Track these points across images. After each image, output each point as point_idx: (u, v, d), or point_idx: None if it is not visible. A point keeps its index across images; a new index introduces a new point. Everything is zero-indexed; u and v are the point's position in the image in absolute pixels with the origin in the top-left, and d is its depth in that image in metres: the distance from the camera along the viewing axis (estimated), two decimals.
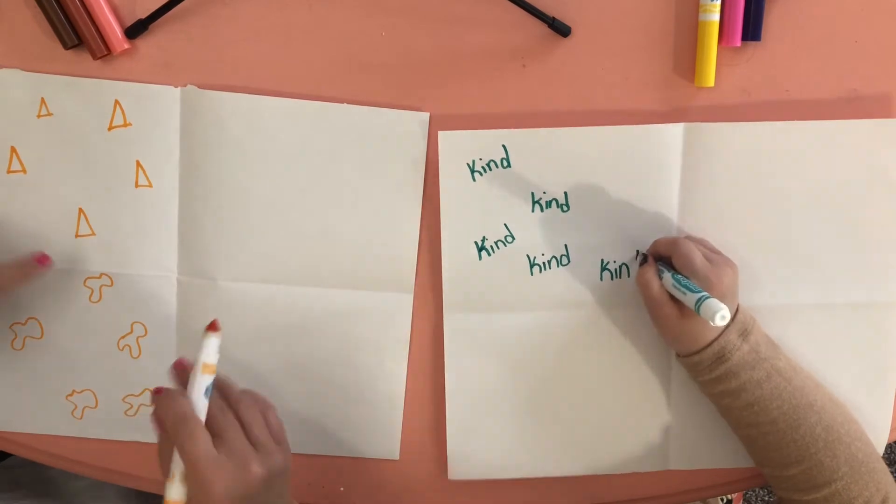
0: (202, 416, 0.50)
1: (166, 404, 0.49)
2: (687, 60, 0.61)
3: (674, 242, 0.58)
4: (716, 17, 0.59)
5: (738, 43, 0.60)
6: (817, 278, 0.63)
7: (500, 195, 0.62)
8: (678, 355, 0.60)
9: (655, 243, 0.60)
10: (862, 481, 0.56)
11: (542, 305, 0.63)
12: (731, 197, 0.62)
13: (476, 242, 0.63)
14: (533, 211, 0.62)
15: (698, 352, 0.57)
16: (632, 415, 0.65)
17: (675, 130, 0.61)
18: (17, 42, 0.61)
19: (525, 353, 0.64)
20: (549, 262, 0.63)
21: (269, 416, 0.54)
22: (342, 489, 0.66)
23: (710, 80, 0.60)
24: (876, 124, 0.61)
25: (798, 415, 0.56)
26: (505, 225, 0.62)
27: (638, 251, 0.62)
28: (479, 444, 0.65)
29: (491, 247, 0.63)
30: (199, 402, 0.50)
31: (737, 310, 0.58)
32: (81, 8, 0.59)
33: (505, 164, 0.61)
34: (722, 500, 0.93)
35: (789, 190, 0.62)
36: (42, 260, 0.61)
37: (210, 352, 0.51)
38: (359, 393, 0.65)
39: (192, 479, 0.49)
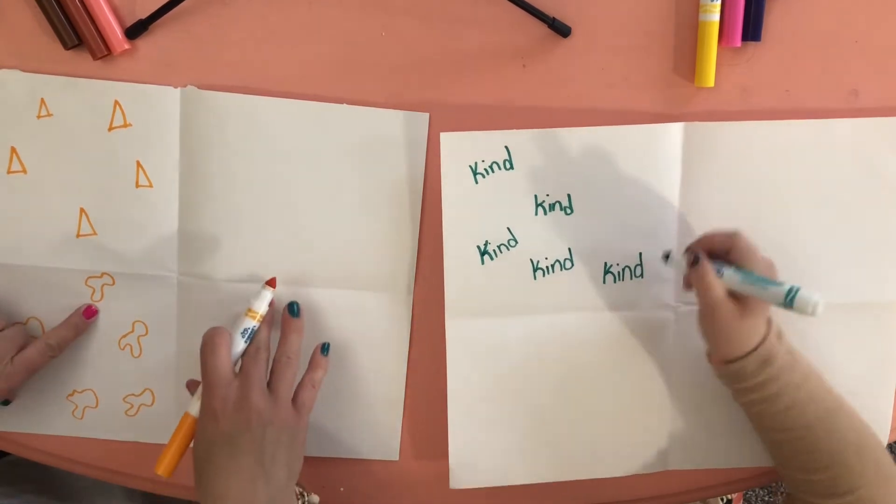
0: (236, 350, 0.56)
1: (207, 331, 0.56)
2: (687, 60, 0.61)
3: (735, 235, 0.54)
4: (716, 17, 0.59)
5: (738, 43, 0.60)
6: (817, 278, 0.63)
7: (503, 198, 0.62)
8: (718, 363, 0.57)
9: (708, 240, 0.56)
10: (884, 488, 0.54)
11: (545, 310, 0.63)
12: (731, 196, 0.62)
13: (479, 247, 0.62)
14: (536, 214, 0.62)
15: (743, 357, 0.55)
16: (632, 417, 0.65)
17: (675, 130, 0.61)
18: (17, 42, 0.61)
19: (528, 358, 0.64)
20: (553, 266, 0.63)
21: (304, 388, 0.58)
22: (342, 489, 0.66)
23: (710, 81, 0.60)
24: (876, 124, 0.61)
25: (832, 419, 0.54)
26: (508, 228, 0.62)
27: (667, 252, 0.59)
28: (481, 453, 0.65)
29: (494, 251, 0.62)
30: (236, 337, 0.57)
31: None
32: (81, 8, 0.59)
33: (508, 165, 0.61)
34: (722, 500, 0.93)
35: (789, 189, 0.62)
36: (89, 313, 0.63)
37: (258, 301, 0.59)
38: (359, 393, 0.65)
39: (202, 392, 0.55)
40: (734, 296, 0.54)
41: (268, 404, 0.54)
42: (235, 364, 0.57)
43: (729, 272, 0.54)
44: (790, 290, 0.49)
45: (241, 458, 0.53)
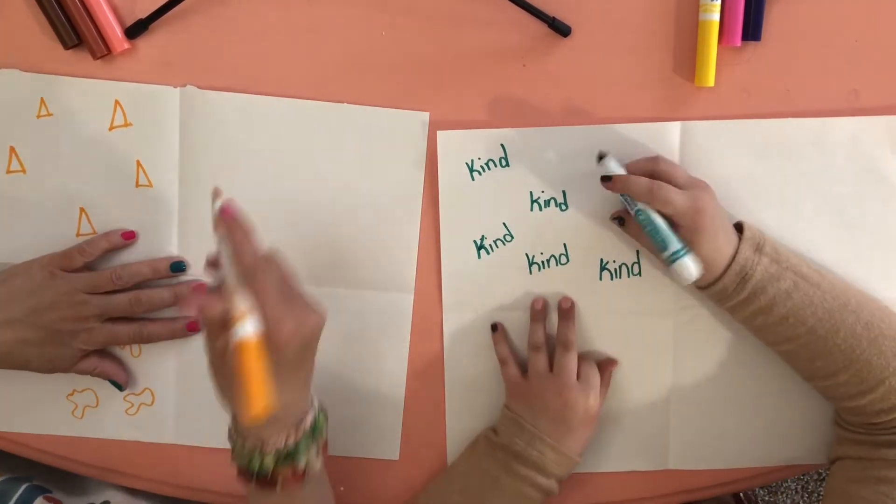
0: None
1: (242, 254, 0.50)
2: (687, 60, 0.61)
3: (649, 191, 0.55)
4: (716, 17, 0.59)
5: (738, 43, 0.60)
6: None
7: (499, 194, 0.62)
8: (699, 288, 0.58)
9: (628, 185, 0.56)
10: None
11: None
12: (728, 195, 0.61)
13: (475, 241, 0.63)
14: (532, 210, 0.62)
15: (719, 278, 0.55)
16: (632, 414, 0.65)
17: (672, 129, 0.61)
18: (17, 42, 0.61)
19: (524, 353, 0.64)
20: (548, 261, 0.63)
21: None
22: (342, 489, 0.66)
23: (710, 80, 0.60)
24: (876, 122, 0.61)
25: (835, 318, 0.54)
26: (504, 224, 0.62)
27: (602, 154, 0.58)
28: None
29: (490, 246, 0.63)
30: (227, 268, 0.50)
31: (742, 225, 0.56)
32: (81, 8, 0.59)
33: (504, 163, 0.62)
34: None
35: (788, 187, 0.62)
36: (191, 327, 0.63)
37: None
38: (359, 393, 0.65)
39: (266, 318, 0.48)
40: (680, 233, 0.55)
41: (317, 314, 0.51)
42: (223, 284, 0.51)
43: (642, 214, 0.55)
44: (673, 254, 0.51)
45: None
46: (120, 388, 0.63)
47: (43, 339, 0.57)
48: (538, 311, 0.63)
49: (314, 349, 0.52)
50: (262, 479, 0.52)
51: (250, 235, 0.51)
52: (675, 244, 0.54)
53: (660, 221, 0.55)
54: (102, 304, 0.59)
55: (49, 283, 0.58)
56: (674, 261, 0.52)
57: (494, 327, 0.63)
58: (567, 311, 0.63)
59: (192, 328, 0.63)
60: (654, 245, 0.55)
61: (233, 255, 0.51)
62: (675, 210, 0.54)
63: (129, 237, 0.62)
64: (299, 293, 0.52)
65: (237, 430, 0.53)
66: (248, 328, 0.47)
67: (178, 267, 0.62)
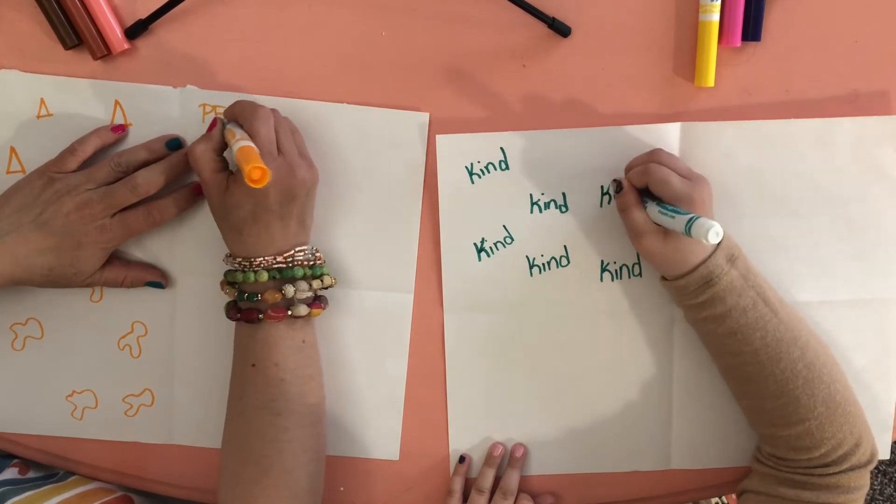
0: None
1: (241, 104, 0.57)
2: (687, 60, 0.61)
3: (646, 171, 0.56)
4: (716, 17, 0.59)
5: (738, 43, 0.60)
6: (817, 276, 0.63)
7: (499, 197, 0.62)
8: (664, 279, 0.59)
9: (629, 175, 0.58)
10: (836, 423, 0.55)
11: (542, 307, 0.63)
12: (729, 195, 0.62)
13: (475, 244, 0.63)
14: (532, 212, 0.62)
15: (685, 275, 0.56)
16: (634, 414, 0.65)
17: (672, 130, 0.61)
18: (17, 42, 0.61)
19: (526, 355, 0.64)
20: (549, 263, 0.63)
21: (298, 140, 0.58)
22: (342, 489, 0.66)
23: (710, 81, 0.60)
24: (876, 122, 0.61)
25: (780, 348, 0.55)
26: (504, 226, 0.62)
27: (613, 180, 0.59)
28: (481, 445, 0.65)
29: (490, 248, 0.63)
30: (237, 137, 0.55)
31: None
32: (81, 8, 0.59)
33: (503, 166, 0.62)
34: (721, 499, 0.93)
35: (787, 188, 0.62)
36: (198, 189, 0.61)
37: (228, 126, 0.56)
38: (359, 393, 0.65)
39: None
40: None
41: (309, 173, 0.56)
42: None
43: (651, 205, 0.56)
44: (689, 220, 0.51)
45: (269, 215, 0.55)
46: (161, 286, 0.62)
47: (57, 244, 0.56)
48: (493, 457, 0.65)
49: (303, 202, 0.56)
50: (248, 311, 0.56)
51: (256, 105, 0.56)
52: (688, 213, 0.53)
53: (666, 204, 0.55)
54: (104, 194, 0.57)
55: (49, 187, 0.57)
56: (692, 224, 0.51)
57: (462, 459, 0.65)
58: (517, 459, 0.65)
59: (198, 191, 0.61)
60: (672, 223, 0.54)
61: (232, 108, 0.57)
62: (672, 192, 0.55)
63: (119, 130, 0.61)
64: (297, 149, 0.56)
65: (231, 258, 0.57)
66: (247, 141, 0.53)
67: (174, 144, 0.61)
